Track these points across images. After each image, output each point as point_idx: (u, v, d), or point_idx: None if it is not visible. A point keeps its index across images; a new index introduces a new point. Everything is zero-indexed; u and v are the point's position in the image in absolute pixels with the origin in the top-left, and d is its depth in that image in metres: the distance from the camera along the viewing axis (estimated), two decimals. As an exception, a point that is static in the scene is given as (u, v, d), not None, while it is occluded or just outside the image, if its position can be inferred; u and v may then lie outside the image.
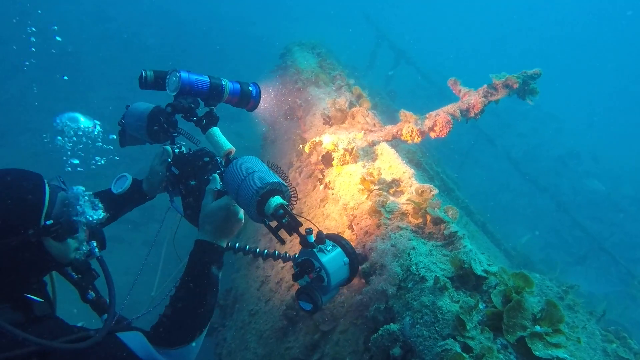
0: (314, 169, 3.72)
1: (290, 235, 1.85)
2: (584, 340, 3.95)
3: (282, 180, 1.92)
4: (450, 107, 3.52)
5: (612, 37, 41.04)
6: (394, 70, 11.97)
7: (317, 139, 3.16)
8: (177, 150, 2.51)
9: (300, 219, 1.86)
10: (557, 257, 9.25)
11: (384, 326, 2.03)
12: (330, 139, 3.16)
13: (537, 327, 1.75)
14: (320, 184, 3.59)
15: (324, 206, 3.45)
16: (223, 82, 2.36)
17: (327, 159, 3.26)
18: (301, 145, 3.40)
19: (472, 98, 3.51)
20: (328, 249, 1.97)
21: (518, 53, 34.41)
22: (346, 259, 2.01)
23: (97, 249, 1.98)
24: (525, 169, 11.21)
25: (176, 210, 2.47)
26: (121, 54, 15.72)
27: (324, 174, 3.45)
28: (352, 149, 3.27)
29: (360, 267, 2.52)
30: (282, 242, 1.92)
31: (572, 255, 9.66)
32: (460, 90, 3.74)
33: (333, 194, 3.27)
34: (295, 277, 1.97)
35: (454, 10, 39.05)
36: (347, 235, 2.93)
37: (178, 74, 2.24)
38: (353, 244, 2.75)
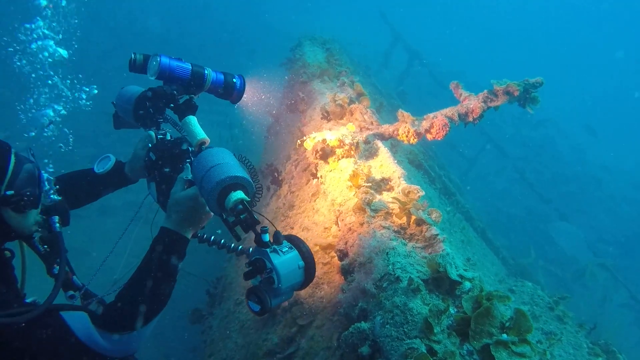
0: (310, 163, 3.72)
1: (246, 232, 1.80)
2: (571, 352, 3.92)
3: (247, 176, 1.83)
4: (449, 110, 3.48)
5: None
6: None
7: (319, 137, 3.14)
8: (160, 136, 2.44)
9: (260, 218, 1.80)
10: (557, 269, 9.15)
11: (355, 324, 2.03)
12: (335, 136, 3.15)
13: (504, 336, 1.73)
14: (314, 179, 3.59)
15: (314, 200, 3.45)
16: (206, 71, 2.31)
17: (324, 154, 3.24)
18: (299, 142, 3.35)
19: (472, 103, 3.47)
20: (284, 250, 1.90)
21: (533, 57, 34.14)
22: (301, 262, 1.92)
23: (57, 224, 1.95)
24: (530, 176, 11.12)
25: (151, 196, 2.41)
26: (123, 42, 15.36)
27: (317, 168, 3.44)
28: (357, 142, 3.26)
29: (340, 264, 2.53)
30: (238, 238, 1.85)
31: (570, 270, 9.56)
32: (461, 94, 3.70)
33: (324, 190, 3.26)
34: (247, 276, 1.91)
35: (470, 13, 38.68)
36: (333, 231, 2.93)
37: (158, 59, 2.20)
38: (336, 240, 2.75)
